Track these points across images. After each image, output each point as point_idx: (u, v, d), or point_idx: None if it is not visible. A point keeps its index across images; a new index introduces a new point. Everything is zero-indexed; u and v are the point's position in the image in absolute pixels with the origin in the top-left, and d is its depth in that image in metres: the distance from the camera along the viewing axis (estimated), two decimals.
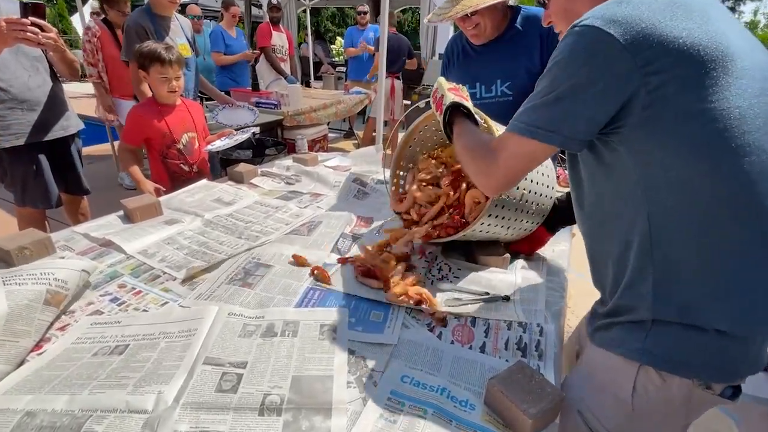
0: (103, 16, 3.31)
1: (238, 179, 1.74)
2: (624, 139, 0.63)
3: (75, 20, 12.78)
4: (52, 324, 0.85)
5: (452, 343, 0.85)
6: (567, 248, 1.30)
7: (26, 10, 1.49)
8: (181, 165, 1.86)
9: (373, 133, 5.30)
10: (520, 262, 1.21)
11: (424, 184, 1.24)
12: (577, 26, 0.61)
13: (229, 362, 0.76)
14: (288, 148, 3.68)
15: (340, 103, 4.43)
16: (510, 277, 1.09)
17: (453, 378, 0.77)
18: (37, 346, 0.80)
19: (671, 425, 0.75)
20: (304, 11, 7.23)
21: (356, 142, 5.66)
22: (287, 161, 2.00)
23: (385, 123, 5.07)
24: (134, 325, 0.85)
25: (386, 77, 4.72)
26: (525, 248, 1.22)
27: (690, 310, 0.66)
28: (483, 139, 0.80)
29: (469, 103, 0.95)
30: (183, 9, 5.71)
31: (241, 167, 1.77)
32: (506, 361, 0.82)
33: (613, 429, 0.76)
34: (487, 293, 1.02)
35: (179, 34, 2.28)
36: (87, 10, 4.54)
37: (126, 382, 0.69)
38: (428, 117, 1.21)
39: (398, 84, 5.04)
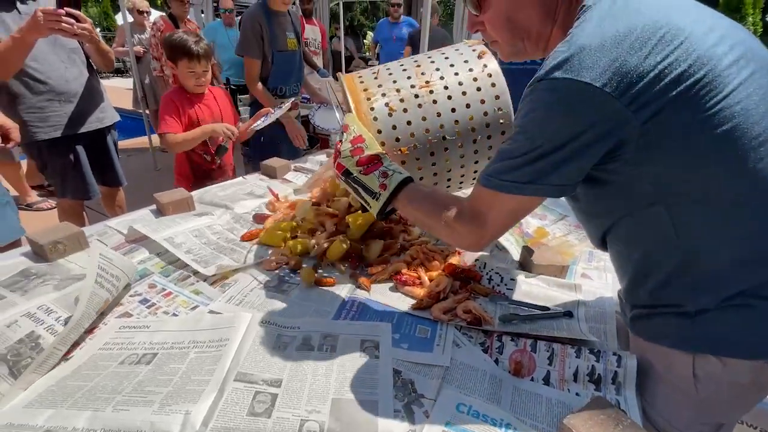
0: (168, 11, 3.51)
1: (271, 174, 1.68)
2: (628, 163, 0.59)
3: (119, 18, 13.32)
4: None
5: (509, 373, 0.74)
6: None
7: (61, 0, 1.48)
8: (204, 156, 1.85)
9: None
10: (580, 270, 1.08)
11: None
12: (545, 79, 0.56)
13: (262, 379, 0.68)
14: (320, 143, 3.64)
15: None
16: (570, 288, 0.96)
17: (515, 412, 0.66)
18: (66, 352, 0.75)
19: (744, 405, 0.71)
20: (337, 4, 7.16)
21: None
22: (320, 156, 1.93)
23: None
24: (163, 330, 0.79)
25: None
26: None
27: (735, 297, 0.62)
28: (455, 201, 0.71)
29: (381, 153, 0.80)
30: (217, 3, 5.78)
31: (274, 162, 1.71)
32: (576, 395, 0.70)
33: (684, 426, 0.70)
34: (547, 308, 0.90)
35: (289, 28, 2.26)
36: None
37: (152, 398, 0.63)
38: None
39: None
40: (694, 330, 0.65)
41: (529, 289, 0.97)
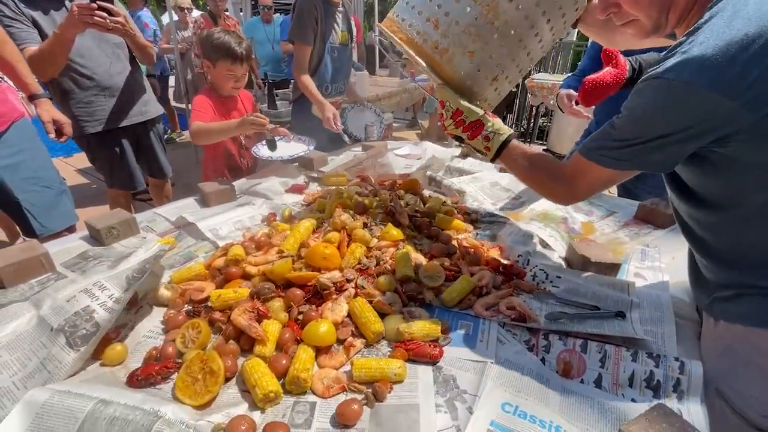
0: (208, 9, 3.66)
1: (308, 166, 1.69)
2: (738, 150, 0.60)
3: (164, 18, 13.95)
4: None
5: (557, 373, 0.70)
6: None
7: None
8: (240, 158, 1.79)
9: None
10: (632, 269, 1.01)
11: None
12: (660, 78, 0.58)
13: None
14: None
15: (405, 92, 4.31)
16: (621, 288, 0.90)
17: (565, 415, 0.62)
18: (115, 330, 0.79)
19: None
20: None
21: (419, 131, 5.51)
22: (356, 149, 1.92)
23: None
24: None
25: None
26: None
27: None
28: (551, 165, 0.82)
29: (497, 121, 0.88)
30: (256, 1, 5.91)
31: (311, 154, 1.72)
32: (632, 401, 0.65)
33: None
34: (597, 307, 0.85)
35: (342, 20, 2.11)
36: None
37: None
38: None
39: None
40: None
41: (576, 287, 0.91)
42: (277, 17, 4.78)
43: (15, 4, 1.55)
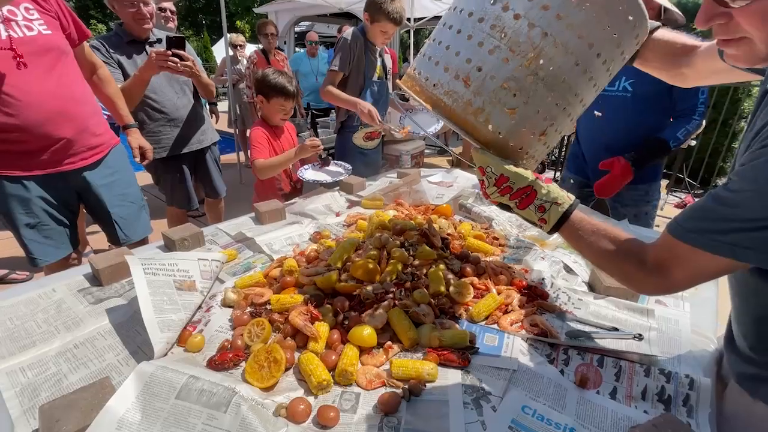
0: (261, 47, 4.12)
1: (348, 190, 1.85)
2: None
3: (215, 49, 15.15)
4: (201, 304, 0.99)
5: (575, 384, 0.78)
6: (713, 295, 1.10)
7: (169, 42, 1.84)
8: (289, 182, 2.03)
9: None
10: (654, 297, 1.06)
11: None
12: None
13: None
14: (388, 162, 3.84)
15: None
16: (641, 313, 0.96)
17: (580, 420, 0.70)
18: (192, 325, 0.94)
19: None
20: (408, 32, 7.53)
21: (450, 158, 5.64)
22: (392, 175, 2.07)
23: None
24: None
25: None
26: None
27: None
28: (634, 247, 0.66)
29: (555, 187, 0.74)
30: (302, 36, 6.39)
31: (351, 179, 1.88)
32: (644, 412, 0.72)
33: None
34: (615, 329, 0.92)
35: (378, 57, 2.39)
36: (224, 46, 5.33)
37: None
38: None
39: None
40: None
41: (598, 310, 0.98)
42: (321, 51, 5.17)
43: (106, 49, 1.91)
